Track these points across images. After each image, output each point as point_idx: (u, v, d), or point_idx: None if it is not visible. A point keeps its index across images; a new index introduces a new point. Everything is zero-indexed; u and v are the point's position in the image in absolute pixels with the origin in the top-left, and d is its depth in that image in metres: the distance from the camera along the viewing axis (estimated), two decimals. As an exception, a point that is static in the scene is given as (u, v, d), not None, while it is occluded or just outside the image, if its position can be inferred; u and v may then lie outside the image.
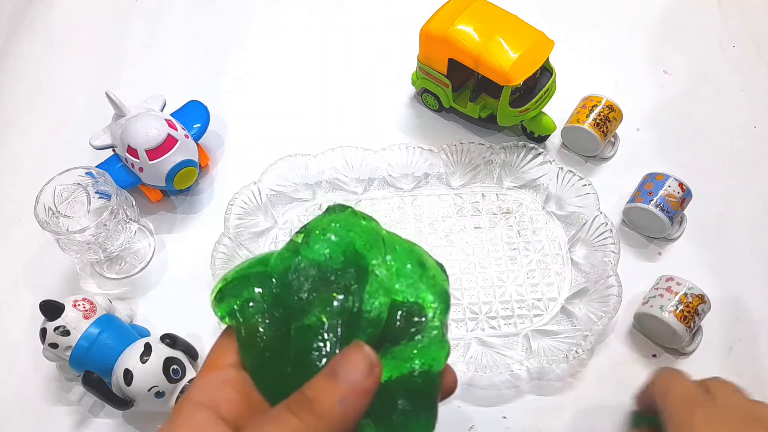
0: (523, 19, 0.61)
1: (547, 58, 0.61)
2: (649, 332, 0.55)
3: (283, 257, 0.28)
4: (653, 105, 0.71)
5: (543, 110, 0.65)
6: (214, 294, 0.29)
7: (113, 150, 0.63)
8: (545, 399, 0.53)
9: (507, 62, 0.58)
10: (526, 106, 0.62)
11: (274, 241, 0.62)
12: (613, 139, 0.67)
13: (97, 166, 0.60)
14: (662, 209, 0.58)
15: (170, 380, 0.49)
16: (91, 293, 0.59)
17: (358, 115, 0.71)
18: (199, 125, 0.65)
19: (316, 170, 0.64)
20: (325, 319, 0.26)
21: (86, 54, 0.78)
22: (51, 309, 0.50)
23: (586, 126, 0.63)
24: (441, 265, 0.32)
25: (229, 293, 0.29)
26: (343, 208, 0.30)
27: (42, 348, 0.51)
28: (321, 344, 0.26)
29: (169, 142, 0.59)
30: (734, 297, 0.58)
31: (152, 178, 0.60)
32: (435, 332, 0.28)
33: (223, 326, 0.29)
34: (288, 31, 0.79)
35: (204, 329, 0.57)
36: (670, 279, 0.55)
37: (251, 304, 0.28)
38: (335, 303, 0.26)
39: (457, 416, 0.52)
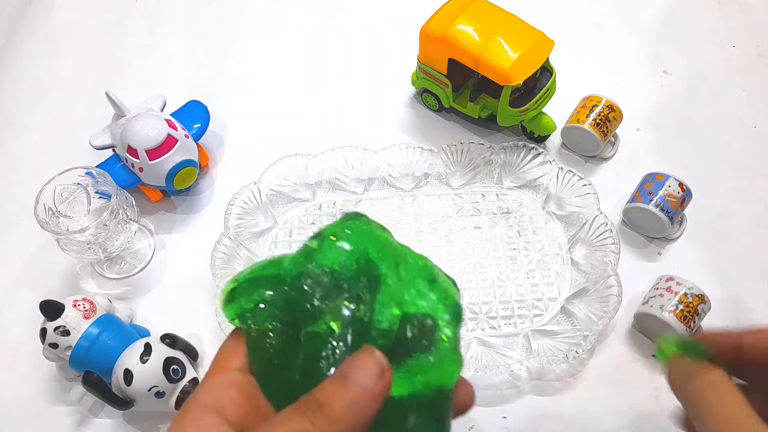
0: (523, 19, 0.61)
1: (547, 58, 0.61)
2: (649, 332, 0.55)
3: (297, 261, 0.28)
4: (653, 105, 0.71)
5: (543, 110, 0.65)
6: (224, 294, 0.29)
7: (113, 150, 0.63)
8: (545, 399, 0.53)
9: (507, 62, 0.58)
10: (526, 106, 0.62)
11: (274, 241, 0.62)
12: (613, 139, 0.67)
13: (97, 166, 0.60)
14: (662, 209, 0.58)
15: (170, 380, 0.49)
16: (91, 293, 0.59)
17: (358, 115, 0.71)
18: (199, 125, 0.65)
19: (316, 170, 0.64)
20: (335, 328, 0.26)
21: (86, 54, 0.78)
22: (51, 309, 0.50)
23: (586, 126, 0.63)
24: (452, 280, 0.32)
25: (240, 295, 0.28)
26: (358, 216, 0.30)
27: (42, 348, 0.51)
28: (330, 352, 0.26)
29: (169, 142, 0.59)
30: (734, 297, 0.58)
31: (152, 178, 0.60)
32: (447, 345, 0.28)
33: (231, 328, 0.29)
34: (288, 31, 0.79)
35: (204, 329, 0.57)
36: (670, 279, 0.55)
37: (262, 306, 0.28)
38: (346, 312, 0.26)
39: (457, 416, 0.52)
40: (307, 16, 0.81)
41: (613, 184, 0.64)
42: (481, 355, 0.53)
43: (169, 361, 0.49)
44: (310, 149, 0.63)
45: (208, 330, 0.57)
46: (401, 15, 0.79)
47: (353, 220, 0.29)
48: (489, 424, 0.52)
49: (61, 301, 0.51)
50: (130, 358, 0.49)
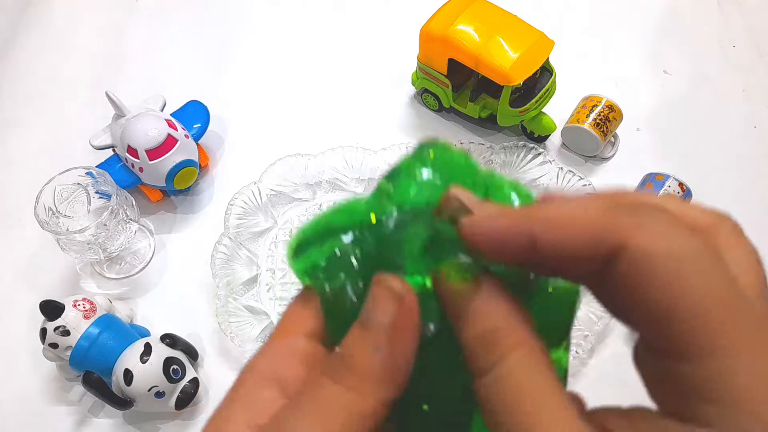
0: (523, 19, 0.61)
1: (547, 58, 0.61)
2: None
3: (372, 205, 0.24)
4: (653, 105, 0.71)
5: (543, 110, 0.65)
6: (291, 249, 0.24)
7: (113, 150, 0.63)
8: (545, 399, 0.53)
9: (507, 62, 0.58)
10: (526, 106, 0.62)
11: (274, 241, 0.62)
12: (613, 139, 0.67)
13: (97, 166, 0.60)
14: (662, 209, 0.58)
15: (170, 380, 0.49)
16: (91, 293, 0.59)
17: (358, 115, 0.71)
18: (199, 125, 0.65)
19: (316, 170, 0.64)
20: (429, 284, 0.22)
21: (86, 54, 0.78)
22: (51, 309, 0.50)
23: (586, 126, 0.63)
24: None
25: (308, 247, 0.24)
26: (435, 142, 0.25)
27: (42, 348, 0.51)
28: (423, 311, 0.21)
29: (169, 142, 0.59)
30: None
31: (152, 178, 0.60)
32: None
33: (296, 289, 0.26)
34: (288, 32, 0.79)
35: (204, 329, 0.57)
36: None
37: (337, 258, 0.23)
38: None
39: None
40: (308, 15, 0.81)
41: (613, 184, 0.64)
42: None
43: (169, 361, 0.49)
44: (310, 149, 0.63)
45: (208, 330, 0.57)
46: (401, 15, 0.79)
47: (432, 146, 0.24)
48: (489, 424, 0.52)
49: (61, 301, 0.51)
50: (130, 358, 0.49)
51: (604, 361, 0.55)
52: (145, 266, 0.62)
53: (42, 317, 0.51)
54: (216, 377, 0.55)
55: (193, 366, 0.52)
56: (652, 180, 0.60)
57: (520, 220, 0.17)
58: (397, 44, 0.75)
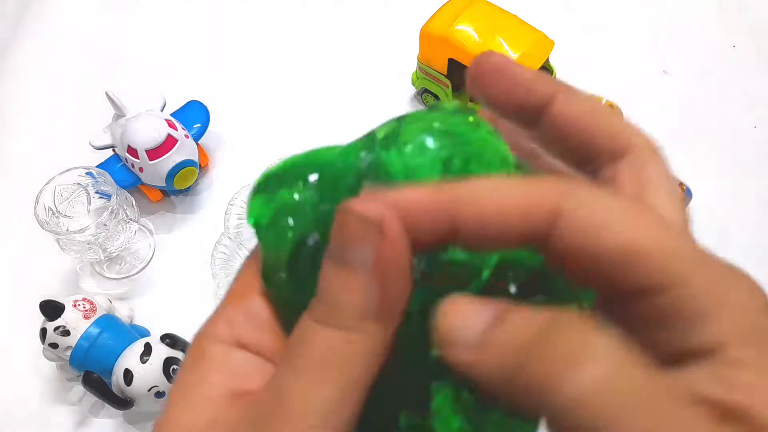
0: (523, 19, 0.61)
1: (547, 59, 0.61)
2: None
3: (349, 153, 0.20)
4: (653, 105, 0.71)
5: (543, 110, 0.65)
6: (252, 190, 0.21)
7: (113, 150, 0.63)
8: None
9: (507, 62, 0.58)
10: (526, 106, 0.62)
11: (274, 241, 0.62)
12: (613, 139, 0.67)
13: (97, 166, 0.60)
14: (662, 209, 0.58)
15: (170, 380, 0.49)
16: (91, 293, 0.59)
17: (358, 114, 0.71)
18: (199, 125, 0.65)
19: (316, 170, 0.64)
20: None
21: (86, 54, 0.78)
22: (51, 309, 0.50)
23: (586, 126, 0.63)
24: None
25: (265, 188, 0.20)
26: (462, 110, 0.19)
27: (42, 348, 0.51)
28: None
29: (169, 142, 0.59)
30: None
31: (152, 178, 0.60)
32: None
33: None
34: (288, 32, 0.79)
35: (204, 329, 0.57)
36: None
37: (295, 199, 0.19)
38: None
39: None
40: (308, 15, 0.81)
41: (613, 184, 0.64)
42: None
43: (169, 361, 0.49)
44: (311, 149, 0.63)
45: (208, 330, 0.57)
46: (401, 15, 0.79)
47: (452, 113, 0.19)
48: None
49: (61, 301, 0.51)
50: (130, 358, 0.49)
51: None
52: (145, 266, 0.61)
53: (42, 317, 0.51)
54: (216, 377, 0.55)
55: (193, 366, 0.52)
56: (652, 180, 0.60)
57: (444, 195, 0.16)
58: (396, 44, 0.75)
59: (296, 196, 0.19)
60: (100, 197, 0.57)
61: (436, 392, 0.18)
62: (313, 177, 0.20)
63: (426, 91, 0.69)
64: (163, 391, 0.49)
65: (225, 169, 0.68)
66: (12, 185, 0.68)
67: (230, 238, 0.58)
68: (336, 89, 0.74)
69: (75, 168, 0.55)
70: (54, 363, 0.54)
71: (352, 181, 0.19)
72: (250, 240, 0.60)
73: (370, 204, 0.16)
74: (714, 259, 0.16)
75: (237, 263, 0.58)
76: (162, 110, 0.64)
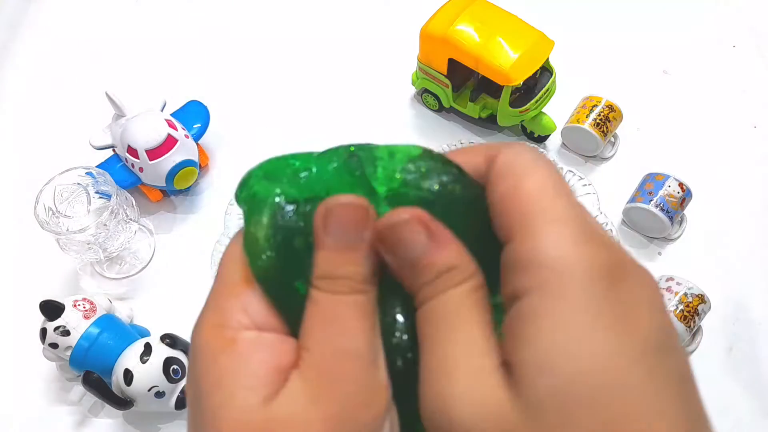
0: (523, 19, 0.61)
1: (547, 58, 0.61)
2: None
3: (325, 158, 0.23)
4: (653, 105, 0.71)
5: (543, 110, 0.65)
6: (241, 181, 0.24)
7: (113, 150, 0.63)
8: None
9: (507, 62, 0.58)
10: (526, 106, 0.62)
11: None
12: (613, 139, 0.67)
13: (97, 166, 0.60)
14: (662, 209, 0.58)
15: (170, 380, 0.49)
16: (91, 293, 0.59)
17: (358, 115, 0.71)
18: (199, 125, 0.65)
19: (316, 170, 0.63)
20: None
21: (86, 54, 0.78)
22: (51, 309, 0.50)
23: (586, 126, 0.63)
24: None
25: (259, 177, 0.24)
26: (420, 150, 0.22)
27: (42, 348, 0.51)
28: None
29: (169, 142, 0.59)
30: (734, 297, 0.58)
31: (152, 178, 0.60)
32: None
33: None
34: (289, 31, 0.79)
35: (204, 329, 0.57)
36: (670, 279, 0.55)
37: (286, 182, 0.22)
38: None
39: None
40: (308, 15, 0.81)
41: (613, 184, 0.64)
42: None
43: (169, 361, 0.49)
44: (310, 149, 0.63)
45: (208, 330, 0.57)
46: (401, 15, 0.79)
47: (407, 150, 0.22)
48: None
49: (61, 301, 0.51)
50: (130, 358, 0.49)
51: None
52: (145, 266, 0.61)
53: (42, 317, 0.51)
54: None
55: (193, 366, 0.52)
56: (652, 180, 0.60)
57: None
58: (397, 44, 0.75)
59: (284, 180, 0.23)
60: (100, 197, 0.57)
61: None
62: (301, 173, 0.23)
63: (426, 91, 0.69)
64: (163, 391, 0.49)
65: (225, 169, 0.68)
66: (12, 185, 0.68)
67: (230, 238, 0.58)
68: (336, 89, 0.74)
69: (75, 168, 0.55)
70: (54, 363, 0.54)
71: (333, 175, 0.22)
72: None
73: (355, 197, 0.20)
74: (584, 234, 0.18)
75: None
76: (162, 110, 0.64)
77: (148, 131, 0.58)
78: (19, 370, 0.56)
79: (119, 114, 0.61)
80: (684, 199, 0.59)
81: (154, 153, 0.58)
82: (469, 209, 0.21)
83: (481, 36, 0.59)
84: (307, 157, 0.23)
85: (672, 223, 0.59)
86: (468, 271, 0.19)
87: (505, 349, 0.18)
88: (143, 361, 0.48)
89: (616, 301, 0.17)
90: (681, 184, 0.59)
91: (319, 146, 0.25)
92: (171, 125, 0.60)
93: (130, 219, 0.56)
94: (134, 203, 0.58)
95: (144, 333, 0.55)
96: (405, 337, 0.21)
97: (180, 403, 0.50)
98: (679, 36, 0.77)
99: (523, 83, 0.60)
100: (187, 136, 0.61)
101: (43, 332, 0.50)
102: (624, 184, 0.63)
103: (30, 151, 0.70)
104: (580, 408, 0.16)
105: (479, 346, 0.18)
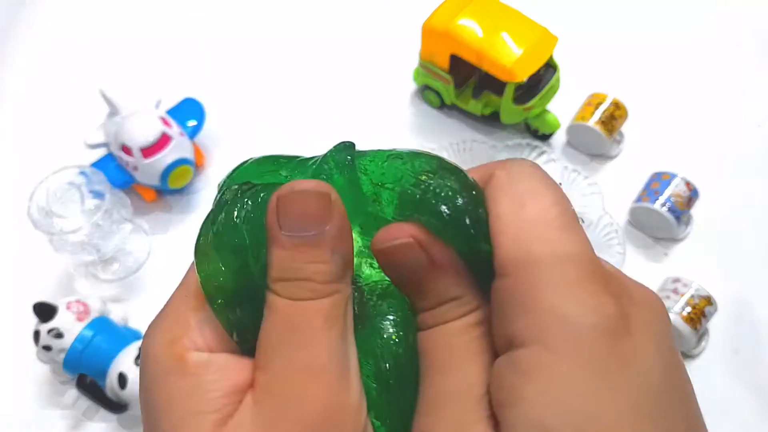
0: (526, 14, 0.60)
1: (551, 54, 0.60)
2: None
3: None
4: (659, 103, 0.70)
5: (547, 108, 0.64)
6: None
7: (107, 149, 0.62)
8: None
9: (510, 58, 0.57)
10: (529, 103, 0.61)
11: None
12: (618, 138, 0.66)
13: (91, 165, 0.59)
14: (669, 209, 0.57)
15: (166, 384, 0.48)
16: (85, 295, 0.58)
17: (358, 112, 0.70)
18: (194, 123, 0.64)
19: (315, 169, 0.63)
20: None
21: (80, 51, 0.77)
22: (44, 311, 0.50)
23: (591, 124, 0.62)
24: None
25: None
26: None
27: (36, 350, 0.50)
28: None
29: (164, 140, 0.58)
30: (741, 298, 0.57)
31: (147, 176, 0.59)
32: None
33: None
34: (287, 28, 0.78)
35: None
36: (677, 280, 0.54)
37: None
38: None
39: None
40: (307, 11, 0.80)
41: (618, 184, 0.63)
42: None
43: (164, 365, 0.48)
44: (309, 147, 0.62)
45: (205, 332, 0.56)
46: (402, 10, 0.78)
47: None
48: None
49: (54, 303, 0.50)
50: (124, 361, 0.48)
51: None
52: (140, 267, 0.61)
53: (35, 319, 0.50)
54: (213, 380, 0.54)
55: (189, 369, 0.51)
56: (659, 179, 0.59)
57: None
58: (398, 40, 0.74)
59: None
60: (94, 197, 0.56)
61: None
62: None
63: (427, 87, 0.68)
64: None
65: (221, 168, 0.67)
66: (5, 184, 0.67)
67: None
68: (336, 86, 0.73)
69: (68, 167, 0.54)
70: (47, 366, 0.53)
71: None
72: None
73: (316, 182, 0.18)
74: (579, 266, 0.17)
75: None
76: (157, 108, 0.63)
77: (142, 129, 0.57)
78: (11, 372, 0.55)
79: (113, 112, 0.61)
80: (691, 198, 0.58)
81: (149, 151, 0.57)
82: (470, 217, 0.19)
83: (484, 31, 0.58)
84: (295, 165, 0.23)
85: (678, 224, 0.58)
86: (471, 305, 0.18)
87: (494, 397, 0.16)
88: (138, 365, 0.47)
89: (621, 360, 0.15)
90: (688, 184, 0.58)
91: (318, 146, 0.24)
92: (166, 123, 0.59)
93: (125, 219, 0.55)
94: (129, 203, 0.57)
95: (138, 336, 0.54)
96: (396, 337, 0.19)
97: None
98: (684, 34, 0.76)
99: (527, 80, 0.59)
100: (182, 134, 0.60)
101: (36, 334, 0.49)
102: (630, 183, 0.62)
103: (23, 149, 0.69)
104: None
105: (472, 392, 0.17)
